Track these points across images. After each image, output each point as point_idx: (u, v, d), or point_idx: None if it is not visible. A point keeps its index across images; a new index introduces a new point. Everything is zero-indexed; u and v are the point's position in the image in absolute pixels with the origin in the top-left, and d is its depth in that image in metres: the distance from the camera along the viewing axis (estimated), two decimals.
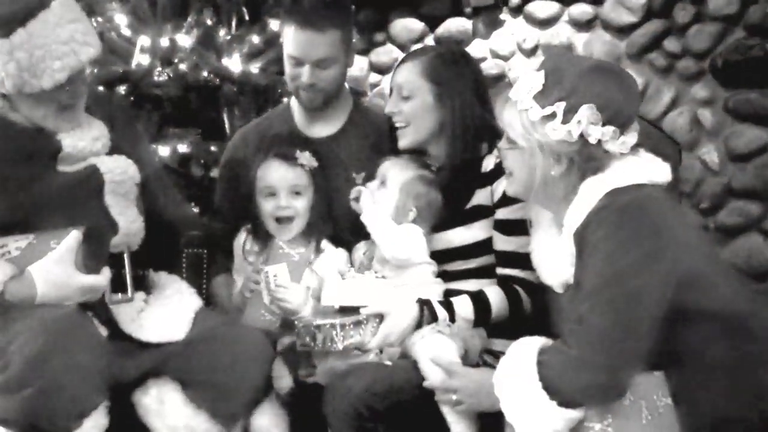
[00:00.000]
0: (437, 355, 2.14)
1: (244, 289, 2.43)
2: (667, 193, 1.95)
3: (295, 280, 2.41)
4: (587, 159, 1.92)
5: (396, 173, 2.36)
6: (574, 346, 1.82)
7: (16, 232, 2.13)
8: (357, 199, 2.38)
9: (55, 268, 2.07)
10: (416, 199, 2.34)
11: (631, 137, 1.94)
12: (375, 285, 2.32)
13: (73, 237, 2.08)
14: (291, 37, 2.54)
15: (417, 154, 2.42)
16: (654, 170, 1.94)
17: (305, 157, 2.47)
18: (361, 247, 2.45)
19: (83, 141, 2.20)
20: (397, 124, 2.40)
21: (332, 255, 2.47)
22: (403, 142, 2.40)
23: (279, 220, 2.46)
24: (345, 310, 2.26)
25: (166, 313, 2.30)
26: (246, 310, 2.43)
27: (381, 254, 2.34)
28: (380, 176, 2.38)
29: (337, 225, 2.54)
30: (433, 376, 2.13)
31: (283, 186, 2.45)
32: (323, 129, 2.68)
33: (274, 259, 2.44)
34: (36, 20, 2.06)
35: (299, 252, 2.45)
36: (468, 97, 2.37)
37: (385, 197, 2.35)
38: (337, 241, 2.52)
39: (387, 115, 2.45)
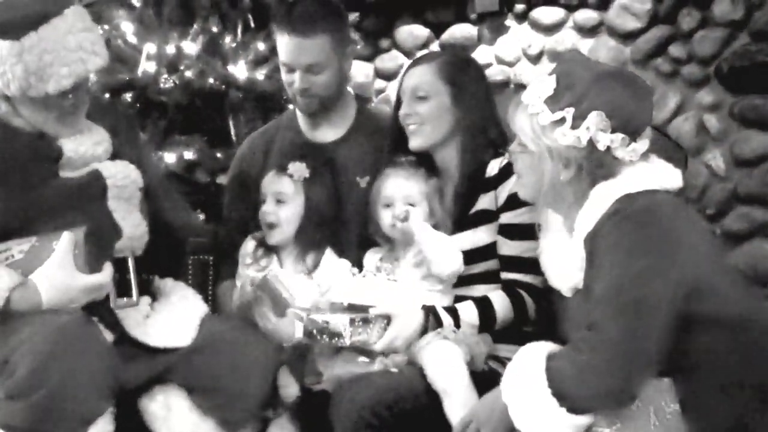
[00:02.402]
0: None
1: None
2: (678, 200, 1.94)
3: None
4: (597, 165, 1.92)
5: (414, 186, 2.36)
6: (585, 352, 1.81)
7: (19, 236, 2.13)
8: (405, 219, 2.33)
9: (57, 272, 2.07)
10: (433, 204, 2.36)
11: (642, 144, 1.93)
12: (385, 286, 2.32)
13: (67, 239, 2.09)
14: (282, 44, 2.57)
15: (418, 160, 2.42)
16: (665, 176, 1.93)
17: (295, 167, 2.48)
18: (375, 252, 2.45)
19: (84, 146, 2.22)
20: (411, 126, 2.39)
21: (334, 264, 2.47)
22: (416, 143, 2.39)
23: (266, 225, 2.49)
24: (353, 309, 2.26)
25: (172, 319, 2.30)
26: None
27: (430, 271, 2.32)
28: (403, 198, 2.35)
29: (342, 230, 2.55)
30: (439, 382, 2.13)
31: (269, 192, 2.49)
32: (328, 134, 2.68)
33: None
34: (48, 25, 2.08)
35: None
36: (481, 102, 2.38)
37: (420, 214, 2.35)
38: (340, 247, 2.52)
39: (395, 118, 2.45)
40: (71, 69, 2.10)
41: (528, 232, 2.23)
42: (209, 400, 2.21)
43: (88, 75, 2.16)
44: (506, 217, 2.33)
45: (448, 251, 2.30)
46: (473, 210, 2.38)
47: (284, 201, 2.47)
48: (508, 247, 2.33)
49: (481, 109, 2.37)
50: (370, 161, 2.59)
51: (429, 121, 2.37)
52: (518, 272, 2.31)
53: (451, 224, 2.38)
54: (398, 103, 2.45)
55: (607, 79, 1.92)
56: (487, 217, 2.36)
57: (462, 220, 2.38)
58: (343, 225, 2.55)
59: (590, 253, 1.87)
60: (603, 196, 1.89)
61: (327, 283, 2.41)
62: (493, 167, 2.37)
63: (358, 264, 2.44)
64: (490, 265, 2.36)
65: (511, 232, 2.32)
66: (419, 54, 4.32)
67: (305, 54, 2.54)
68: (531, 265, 2.19)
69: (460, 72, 2.39)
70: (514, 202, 2.25)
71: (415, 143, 2.39)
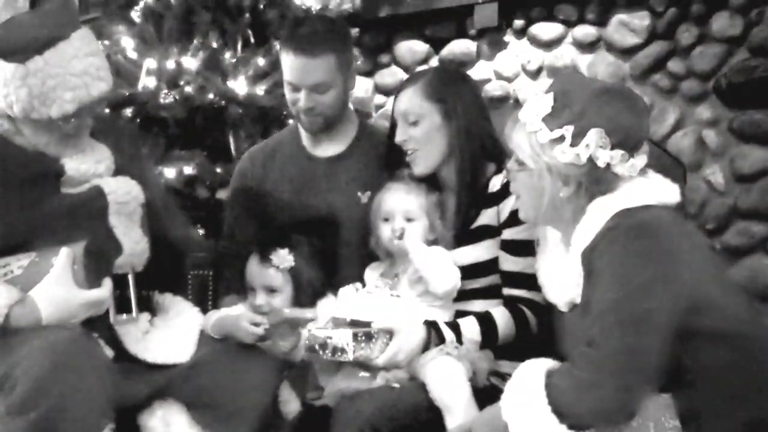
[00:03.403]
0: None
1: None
2: (676, 214, 1.94)
3: None
4: (596, 181, 1.92)
5: (414, 200, 2.36)
6: (584, 369, 1.80)
7: (19, 252, 2.13)
8: (401, 236, 2.34)
9: (56, 288, 2.07)
10: (434, 218, 2.36)
11: (640, 160, 1.93)
12: (387, 302, 2.32)
13: (65, 254, 2.08)
14: (287, 64, 2.57)
15: (424, 179, 2.42)
16: (663, 191, 1.93)
17: (279, 257, 2.43)
18: (376, 267, 2.45)
19: (86, 164, 2.22)
20: (409, 151, 2.40)
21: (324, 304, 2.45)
22: (419, 169, 2.39)
23: (260, 314, 2.40)
24: (356, 324, 2.26)
25: (171, 334, 2.30)
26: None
27: (427, 288, 2.31)
28: (402, 212, 2.36)
29: (343, 245, 2.55)
30: (441, 398, 2.12)
31: (258, 284, 2.45)
32: (330, 149, 2.69)
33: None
34: (54, 49, 2.08)
35: None
36: (473, 114, 2.38)
37: (418, 230, 2.35)
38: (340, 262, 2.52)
39: (390, 137, 2.45)
40: (75, 94, 2.10)
41: (530, 248, 2.22)
42: (209, 415, 2.21)
43: (91, 100, 2.16)
44: (509, 233, 2.33)
45: (443, 269, 2.30)
46: (475, 225, 2.38)
47: (275, 291, 2.44)
48: (511, 263, 2.32)
49: (475, 120, 2.37)
50: (371, 176, 2.59)
51: (425, 143, 2.37)
52: (520, 288, 2.31)
53: (452, 239, 2.38)
54: (393, 126, 2.45)
55: (604, 95, 1.93)
56: (488, 232, 2.36)
57: (463, 234, 2.38)
58: (344, 240, 2.55)
59: (588, 269, 1.87)
60: (600, 212, 1.89)
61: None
62: (496, 183, 2.37)
63: (360, 279, 2.44)
64: (491, 280, 2.36)
65: (513, 247, 2.32)
66: (419, 69, 4.33)
67: (311, 74, 2.53)
68: (533, 281, 2.18)
69: (448, 87, 2.39)
70: (516, 217, 2.24)
71: (418, 170, 2.39)
